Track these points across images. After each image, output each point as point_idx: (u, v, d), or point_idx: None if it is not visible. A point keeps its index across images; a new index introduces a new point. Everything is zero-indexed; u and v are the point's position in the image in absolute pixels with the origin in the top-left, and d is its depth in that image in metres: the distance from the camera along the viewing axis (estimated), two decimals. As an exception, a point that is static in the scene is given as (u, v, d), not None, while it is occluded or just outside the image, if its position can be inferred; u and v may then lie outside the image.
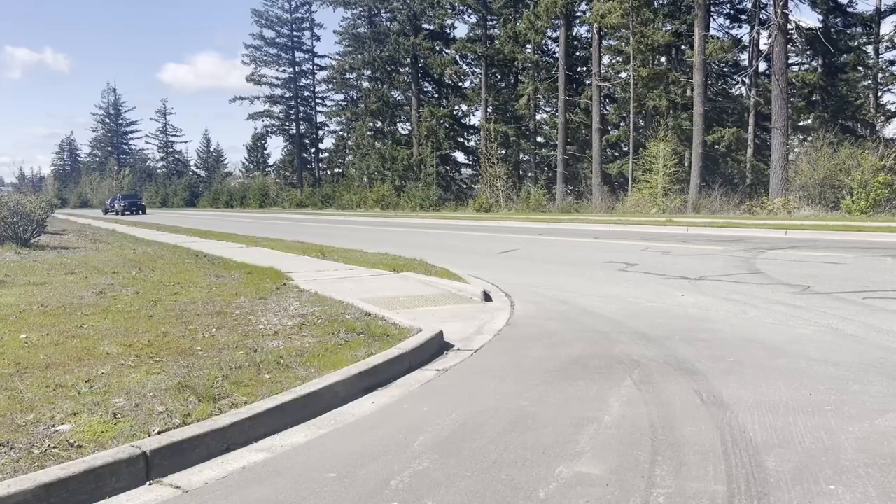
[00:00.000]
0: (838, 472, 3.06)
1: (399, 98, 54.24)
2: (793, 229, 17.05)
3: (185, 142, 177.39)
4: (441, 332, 5.85)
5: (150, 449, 3.26)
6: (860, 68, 35.49)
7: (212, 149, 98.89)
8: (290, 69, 69.65)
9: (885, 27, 34.82)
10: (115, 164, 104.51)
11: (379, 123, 55.15)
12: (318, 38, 73.64)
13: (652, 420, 3.85)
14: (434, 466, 3.31)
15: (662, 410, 4.01)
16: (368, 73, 55.58)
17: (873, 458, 3.20)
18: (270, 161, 78.81)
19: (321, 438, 3.82)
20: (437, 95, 52.47)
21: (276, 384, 4.34)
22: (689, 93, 33.71)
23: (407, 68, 51.30)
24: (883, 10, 34.24)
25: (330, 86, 66.19)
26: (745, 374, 4.74)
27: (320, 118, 70.61)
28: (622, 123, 39.32)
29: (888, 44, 34.80)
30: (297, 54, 69.57)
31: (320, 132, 71.33)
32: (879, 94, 35.96)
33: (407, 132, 53.48)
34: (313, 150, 71.94)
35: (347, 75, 59.62)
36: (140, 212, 59.73)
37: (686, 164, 32.23)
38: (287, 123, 71.44)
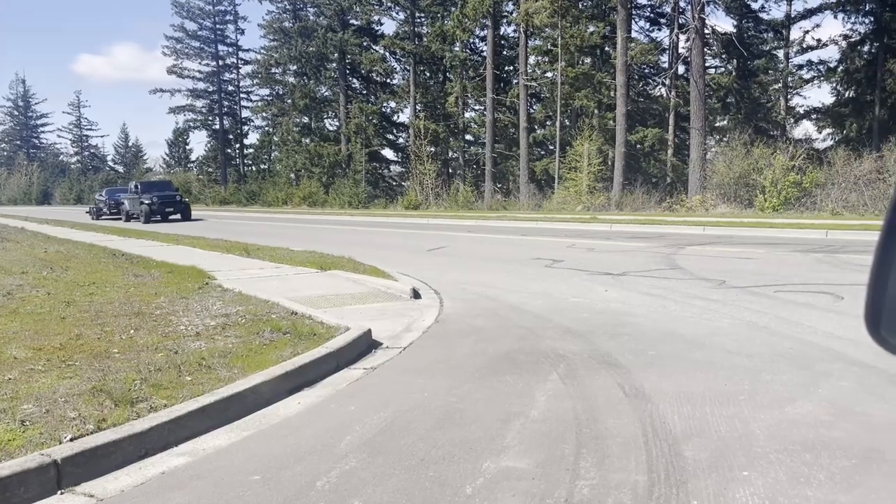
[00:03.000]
0: (751, 459, 3.19)
1: (326, 94, 53.55)
2: (710, 226, 17.72)
3: (102, 136, 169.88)
4: (369, 331, 5.80)
5: (61, 457, 3.11)
6: (771, 72, 37.15)
7: (130, 143, 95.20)
8: (214, 63, 67.75)
9: (795, 33, 36.54)
10: (24, 159, 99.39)
11: (306, 119, 54.32)
12: (243, 32, 71.92)
13: (577, 413, 3.93)
14: (361, 466, 3.28)
15: (587, 404, 4.09)
16: (295, 68, 54.65)
17: (783, 445, 3.34)
18: (193, 157, 76.46)
19: (245, 440, 3.73)
20: (365, 92, 52.07)
21: (197, 386, 4.21)
22: (613, 93, 34.56)
23: (334, 64, 50.69)
24: (792, 16, 35.93)
25: (255, 81, 64.76)
26: (665, 366, 4.89)
27: (245, 113, 68.99)
28: (549, 122, 39.96)
29: (797, 49, 36.56)
30: (221, 48, 67.74)
31: (245, 128, 69.69)
32: (789, 96, 37.73)
33: (335, 128, 52.89)
34: (238, 145, 70.23)
35: (273, 70, 58.48)
36: (183, 215, 32.86)
37: (610, 162, 33.02)
38: (210, 118, 69.46)
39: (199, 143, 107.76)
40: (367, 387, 4.68)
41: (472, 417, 3.92)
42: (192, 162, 75.79)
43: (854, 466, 3.08)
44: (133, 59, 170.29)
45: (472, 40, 43.02)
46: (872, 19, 32.77)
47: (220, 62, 68.04)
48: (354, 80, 51.88)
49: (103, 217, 38.87)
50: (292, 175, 53.27)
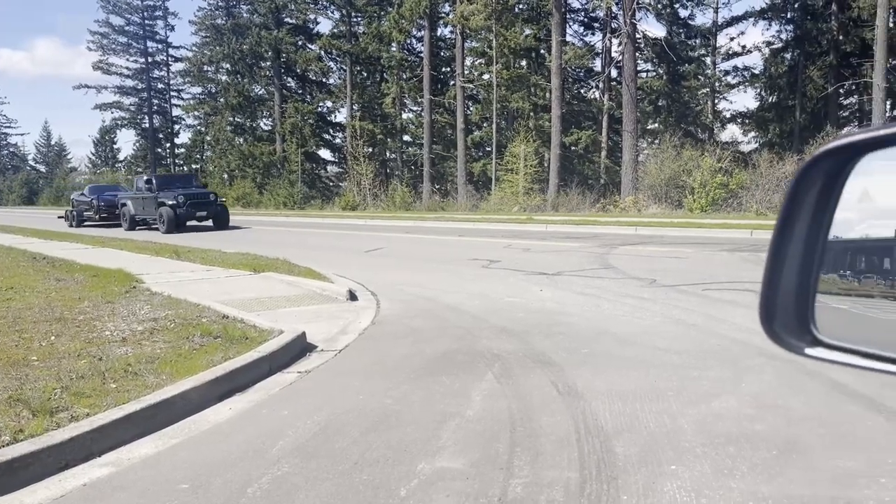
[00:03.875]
0: (679, 453, 3.27)
1: (261, 93, 52.61)
2: (642, 226, 18.16)
3: (22, 134, 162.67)
4: (304, 333, 5.72)
5: (-28, 471, 2.95)
6: (700, 77, 38.36)
7: (53, 142, 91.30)
8: (142, 59, 65.72)
9: (721, 39, 37.82)
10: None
11: (239, 119, 53.22)
12: (173, 28, 69.53)
13: (512, 412, 3.95)
14: (294, 471, 3.22)
15: (522, 402, 4.13)
16: (228, 66, 53.46)
17: (709, 439, 3.45)
18: (121, 156, 74.00)
19: (173, 448, 3.61)
20: (301, 91, 51.38)
21: (123, 393, 4.06)
22: (548, 96, 35.07)
23: (269, 63, 49.85)
24: (719, 23, 37.21)
25: (187, 78, 63.07)
26: (598, 364, 4.98)
27: (176, 112, 67.08)
28: (486, 124, 40.27)
29: (723, 55, 37.87)
30: (150, 44, 65.70)
31: (176, 127, 67.80)
32: (716, 101, 39.03)
33: (269, 128, 52.00)
34: (168, 145, 68.28)
35: (205, 68, 57.05)
36: (217, 221, 23.82)
37: (546, 164, 33.51)
38: (139, 116, 67.32)
39: (127, 143, 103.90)
40: (301, 391, 4.61)
41: (407, 419, 3.90)
42: (120, 162, 73.30)
43: (774, 458, 3.20)
44: (55, 53, 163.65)
45: (409, 41, 43.01)
46: (793, 27, 34.28)
47: (150, 59, 66.03)
48: (290, 80, 51.12)
49: (89, 224, 28.44)
50: (225, 175, 52.13)
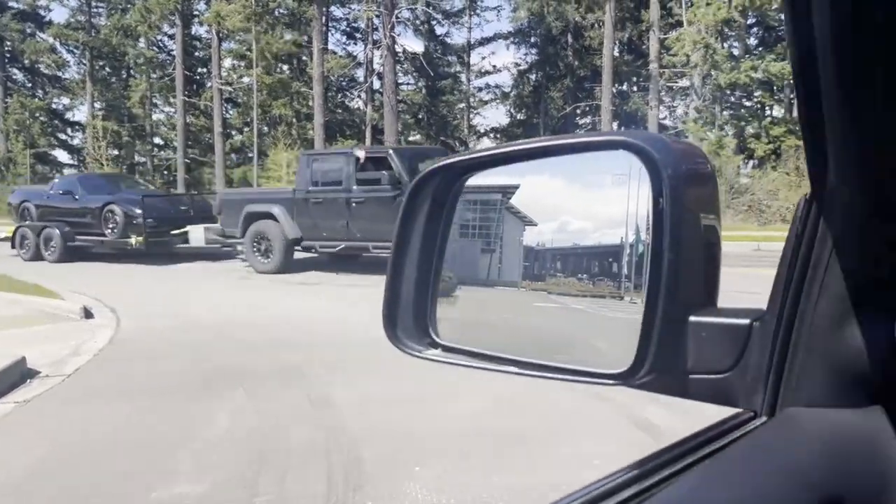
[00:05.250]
0: (422, 455, 3.39)
1: (-20, 84, 46.00)
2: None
3: None
4: (24, 358, 5.05)
5: None
6: (456, 92, 40.58)
7: None
8: None
9: (475, 58, 40.27)
10: None
11: (-47, 112, 46.07)
12: None
13: (262, 428, 3.83)
14: (1, 518, 2.82)
15: (272, 418, 4.02)
16: (-63, 50, 46.05)
17: (450, 438, 3.62)
18: None
19: None
20: (30, 85, 45.72)
21: None
22: (311, 103, 34.86)
23: (-10, 50, 43.78)
24: (472, 42, 39.70)
25: None
26: (348, 373, 5.00)
27: None
28: (246, 128, 38.97)
29: (477, 73, 40.44)
30: None
31: None
32: (472, 116, 41.55)
33: (-8, 125, 45.63)
34: None
35: None
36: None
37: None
38: None
39: None
40: (18, 423, 4.07)
41: (143, 444, 3.61)
42: None
43: (504, 450, 3.44)
44: None
45: (159, 37, 40.25)
46: (537, 51, 37.58)
47: None
48: (16, 71, 45.28)
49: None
50: (-65, 177, 44.76)
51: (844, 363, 0.58)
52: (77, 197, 14.11)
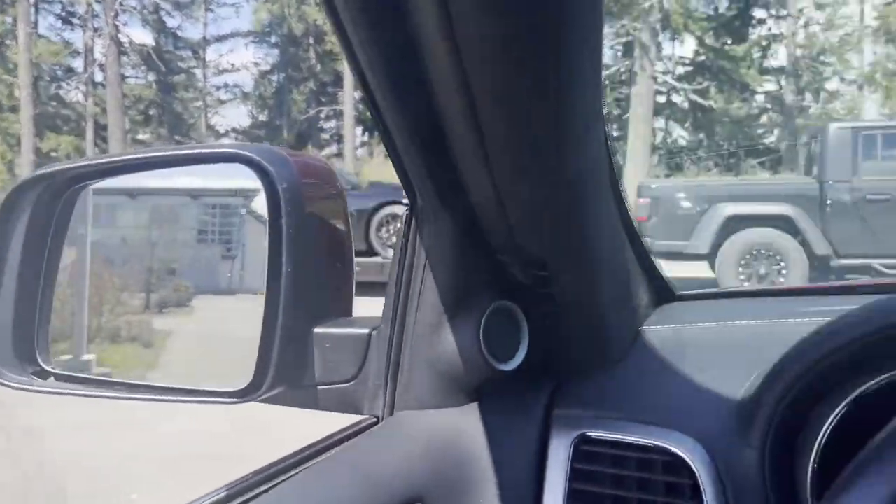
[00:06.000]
0: (136, 481, 3.04)
1: None
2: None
3: None
4: None
5: None
6: (192, 89, 38.37)
7: None
8: None
9: (212, 54, 38.51)
10: None
11: None
12: None
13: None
14: None
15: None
16: None
17: (170, 465, 3.29)
18: None
19: None
20: None
21: None
22: (18, 93, 30.72)
23: None
24: (208, 38, 37.79)
25: None
26: (53, 400, 4.38)
27: None
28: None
29: (214, 70, 38.61)
30: None
31: None
32: (210, 115, 39.56)
33: None
34: None
35: None
36: None
37: (18, 172, 29.28)
38: None
39: None
40: None
41: None
42: None
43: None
44: None
45: None
46: (279, 52, 36.89)
47: None
48: None
49: None
50: None
51: (444, 366, 0.61)
52: None
